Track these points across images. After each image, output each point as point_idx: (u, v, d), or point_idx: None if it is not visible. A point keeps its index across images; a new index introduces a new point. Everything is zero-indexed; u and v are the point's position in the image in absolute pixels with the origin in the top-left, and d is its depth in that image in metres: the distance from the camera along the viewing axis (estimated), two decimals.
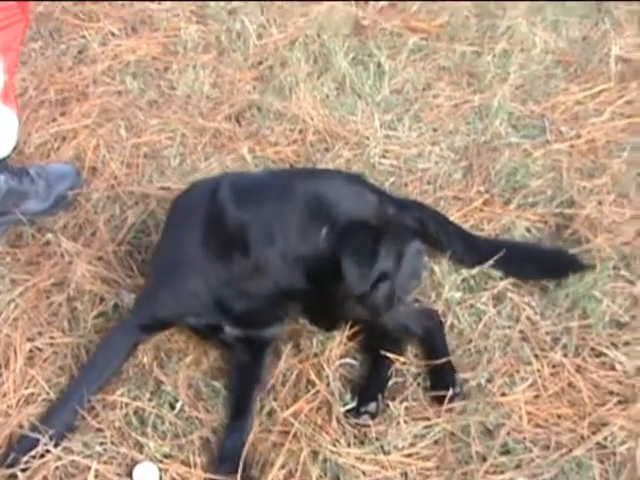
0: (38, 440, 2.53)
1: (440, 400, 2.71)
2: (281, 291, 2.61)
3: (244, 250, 2.57)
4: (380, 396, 2.72)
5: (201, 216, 2.68)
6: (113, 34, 4.15)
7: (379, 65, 4.06)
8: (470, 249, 3.10)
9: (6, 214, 3.18)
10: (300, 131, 3.70)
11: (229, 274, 2.61)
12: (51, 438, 2.54)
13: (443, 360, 2.82)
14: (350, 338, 2.91)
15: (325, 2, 4.36)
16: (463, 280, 3.08)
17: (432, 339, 2.89)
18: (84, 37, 4.10)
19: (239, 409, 2.69)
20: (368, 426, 2.66)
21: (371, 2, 4.45)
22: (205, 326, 2.77)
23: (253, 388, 2.73)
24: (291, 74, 3.95)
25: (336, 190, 2.62)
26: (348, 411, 2.71)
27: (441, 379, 2.79)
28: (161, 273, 2.80)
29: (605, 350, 2.90)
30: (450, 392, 2.71)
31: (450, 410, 2.70)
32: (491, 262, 3.06)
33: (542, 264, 3.10)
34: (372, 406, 2.69)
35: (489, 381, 2.79)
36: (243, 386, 2.74)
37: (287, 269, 2.56)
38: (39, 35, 4.12)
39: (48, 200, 3.28)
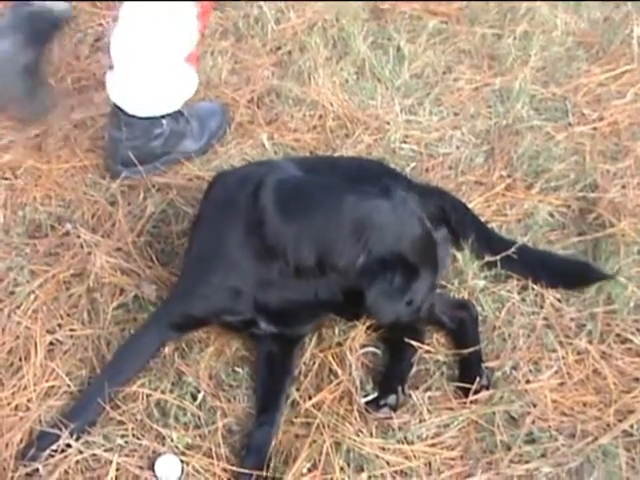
0: (59, 435, 2.51)
1: (466, 391, 2.69)
2: (319, 300, 2.57)
3: (283, 256, 2.53)
4: (400, 388, 2.69)
5: (242, 215, 2.61)
6: None
7: (399, 49, 4.02)
8: (483, 244, 3.06)
9: (168, 154, 3.41)
10: (320, 117, 3.68)
11: (269, 276, 2.57)
12: (72, 433, 2.52)
13: (473, 351, 2.79)
14: (372, 328, 2.89)
15: None
16: (486, 267, 3.05)
17: (464, 331, 2.86)
18: (101, 25, 4.07)
19: (268, 401, 2.67)
20: (390, 418, 2.64)
21: None
22: (240, 322, 2.73)
23: (284, 380, 2.71)
24: (310, 59, 3.92)
25: (384, 215, 2.49)
26: (369, 402, 2.69)
27: (469, 370, 2.75)
28: (198, 268, 2.73)
29: (630, 336, 2.88)
30: (477, 384, 2.68)
31: (475, 400, 2.68)
32: (503, 264, 3.03)
33: (556, 272, 3.04)
34: (392, 398, 2.67)
35: (514, 368, 2.77)
36: (273, 378, 2.72)
37: (325, 282, 2.52)
38: None
39: (202, 139, 3.49)
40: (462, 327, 2.87)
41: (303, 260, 2.51)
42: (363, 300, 2.45)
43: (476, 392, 2.68)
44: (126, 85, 3.22)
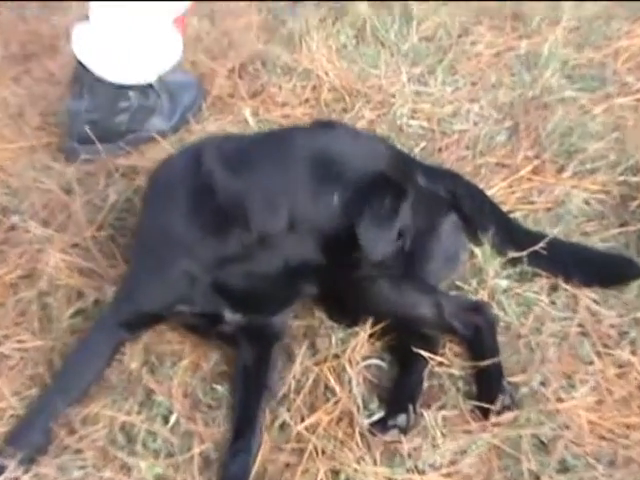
0: (4, 466, 2.49)
1: (486, 411, 2.67)
2: (292, 268, 2.58)
3: (243, 223, 2.53)
4: (412, 406, 2.68)
5: (186, 188, 2.64)
6: None
7: (405, 7, 4.02)
8: (505, 238, 3.05)
9: (134, 132, 3.43)
10: (313, 88, 3.69)
11: (227, 251, 2.58)
12: (20, 462, 2.50)
13: (491, 364, 2.77)
14: (375, 336, 2.87)
15: None
16: (509, 264, 3.04)
17: (481, 339, 2.85)
18: None
19: (244, 424, 2.66)
20: (399, 442, 2.62)
21: None
22: (201, 317, 2.74)
23: (260, 397, 2.70)
24: (301, 20, 3.92)
25: (343, 143, 2.58)
26: (374, 424, 2.67)
27: (489, 387, 2.73)
28: (143, 258, 2.78)
29: None
30: (499, 404, 2.66)
31: (497, 422, 2.65)
32: (530, 260, 3.02)
33: (593, 269, 3.03)
34: (402, 419, 2.66)
35: (543, 384, 2.75)
36: (248, 395, 2.71)
37: (298, 242, 2.53)
38: None
39: (174, 116, 3.52)
40: (478, 334, 2.86)
41: (267, 220, 2.51)
42: (350, 246, 2.47)
43: (498, 412, 2.66)
44: (99, 39, 3.20)
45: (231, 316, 2.71)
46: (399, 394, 2.74)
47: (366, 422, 2.67)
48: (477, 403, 2.71)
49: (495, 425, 2.65)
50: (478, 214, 3.07)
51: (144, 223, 2.86)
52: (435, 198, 3.00)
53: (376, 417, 2.69)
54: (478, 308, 2.90)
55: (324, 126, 2.66)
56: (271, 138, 2.72)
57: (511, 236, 3.06)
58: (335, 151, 2.52)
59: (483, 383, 2.77)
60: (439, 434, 2.63)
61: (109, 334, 2.75)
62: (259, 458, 2.59)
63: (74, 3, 3.97)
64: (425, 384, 2.77)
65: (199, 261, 2.61)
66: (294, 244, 2.53)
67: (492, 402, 2.66)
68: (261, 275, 2.61)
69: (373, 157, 2.55)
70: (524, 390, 2.74)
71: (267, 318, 2.77)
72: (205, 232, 2.58)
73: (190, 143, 3.01)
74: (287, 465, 2.60)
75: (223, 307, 2.69)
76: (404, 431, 2.65)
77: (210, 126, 3.52)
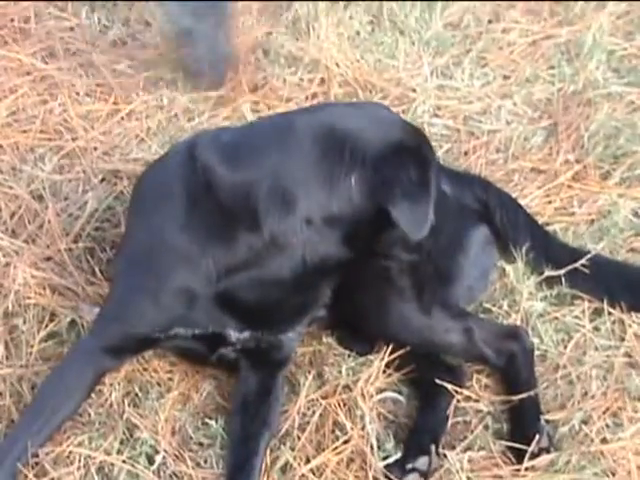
0: None
1: (520, 454, 2.69)
2: (311, 269, 2.56)
3: (251, 223, 2.53)
4: (434, 446, 2.70)
5: (180, 189, 2.64)
6: None
7: None
8: (541, 255, 3.08)
9: None
10: (321, 81, 3.72)
11: (234, 258, 2.57)
12: None
13: (527, 399, 2.79)
14: (392, 365, 2.90)
15: None
16: (546, 284, 3.07)
17: (516, 370, 2.87)
18: None
19: (241, 466, 2.67)
20: None
21: None
22: (200, 339, 2.72)
23: (260, 434, 2.72)
24: (308, 3, 3.95)
25: (347, 118, 2.58)
26: (390, 466, 2.69)
27: (523, 425, 2.77)
28: (131, 273, 2.75)
29: None
30: (534, 444, 2.68)
31: (532, 466, 2.67)
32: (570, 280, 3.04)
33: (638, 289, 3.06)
34: (423, 461, 2.68)
35: (585, 423, 2.77)
36: (246, 432, 2.73)
37: (317, 237, 2.52)
38: None
39: None
40: (512, 364, 2.88)
41: (280, 216, 2.51)
42: (378, 231, 2.50)
43: (534, 455, 2.67)
44: None
45: (237, 335, 2.70)
46: (419, 433, 2.76)
47: (381, 464, 2.69)
48: (509, 444, 2.74)
49: (530, 469, 2.66)
50: (510, 227, 3.10)
51: (131, 232, 2.85)
52: (462, 208, 3.03)
53: (392, 459, 2.70)
54: (513, 334, 2.92)
55: (322, 105, 2.74)
56: (270, 124, 2.73)
57: (548, 252, 3.09)
58: (344, 130, 2.51)
59: (517, 420, 2.79)
60: (465, 479, 2.65)
61: (89, 361, 2.73)
62: None
63: None
64: (449, 421, 2.79)
65: (200, 273, 2.59)
66: (313, 240, 2.52)
67: (527, 443, 2.68)
68: (274, 281, 2.59)
69: (383, 126, 2.56)
70: (563, 429, 2.77)
71: (276, 336, 2.76)
72: (206, 238, 2.57)
73: (181, 141, 2.99)
74: None
75: (228, 325, 2.68)
76: (425, 475, 2.67)
77: (204, 124, 3.54)
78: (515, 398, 2.80)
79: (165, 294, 2.63)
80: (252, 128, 2.83)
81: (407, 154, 2.46)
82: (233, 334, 2.69)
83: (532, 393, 2.80)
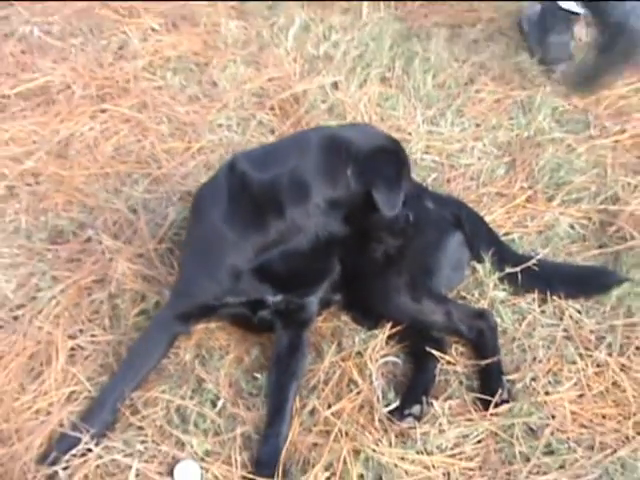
0: (79, 439, 2.53)
1: (486, 403, 2.70)
2: (322, 243, 2.60)
3: (277, 211, 2.57)
4: (425, 398, 2.71)
5: (224, 191, 2.68)
6: (153, 29, 4.13)
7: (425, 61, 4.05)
8: (500, 258, 3.06)
9: None
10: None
11: (265, 239, 2.60)
12: (92, 437, 2.54)
13: (492, 363, 2.80)
14: (393, 337, 2.90)
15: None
16: (506, 279, 3.05)
17: (483, 341, 2.88)
18: (124, 33, 4.09)
19: (276, 411, 2.67)
20: (414, 428, 2.64)
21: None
22: (245, 305, 2.74)
23: (290, 386, 2.72)
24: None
25: (346, 130, 2.72)
26: (391, 412, 2.70)
27: (489, 383, 2.77)
28: (193, 257, 2.78)
29: None
30: (497, 396, 2.69)
31: (495, 412, 2.68)
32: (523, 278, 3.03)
33: (574, 282, 3.06)
34: (416, 408, 2.69)
35: (533, 380, 2.78)
36: (280, 384, 2.73)
37: (324, 218, 2.57)
38: (79, 31, 4.10)
39: None
40: (481, 337, 2.88)
41: (297, 203, 2.55)
42: (366, 211, 2.54)
43: (496, 404, 2.68)
44: None
45: (272, 298, 2.71)
46: (415, 387, 2.77)
47: (384, 410, 2.70)
48: (478, 395, 2.74)
49: (493, 414, 2.68)
50: (476, 237, 3.09)
51: (191, 228, 2.87)
52: (442, 219, 3.03)
53: (393, 406, 2.71)
54: (482, 315, 2.92)
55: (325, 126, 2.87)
56: (287, 139, 2.88)
57: (504, 257, 3.07)
58: (341, 138, 2.59)
59: (484, 379, 2.80)
60: (445, 421, 2.66)
61: (166, 327, 2.75)
62: (290, 439, 2.62)
63: (141, 50, 3.98)
64: (436, 379, 2.80)
65: (242, 253, 2.62)
66: (321, 220, 2.57)
67: (492, 395, 2.69)
68: (297, 254, 2.62)
69: (371, 136, 2.66)
70: (518, 386, 2.77)
71: (302, 299, 2.76)
72: (245, 226, 2.61)
73: (224, 161, 3.02)
74: (315, 445, 2.62)
75: (265, 291, 2.70)
76: (418, 419, 2.68)
77: None
78: (483, 362, 2.81)
79: (218, 271, 2.66)
80: (273, 144, 2.97)
81: (387, 155, 2.58)
82: (270, 298, 2.71)
83: (495, 359, 2.80)
